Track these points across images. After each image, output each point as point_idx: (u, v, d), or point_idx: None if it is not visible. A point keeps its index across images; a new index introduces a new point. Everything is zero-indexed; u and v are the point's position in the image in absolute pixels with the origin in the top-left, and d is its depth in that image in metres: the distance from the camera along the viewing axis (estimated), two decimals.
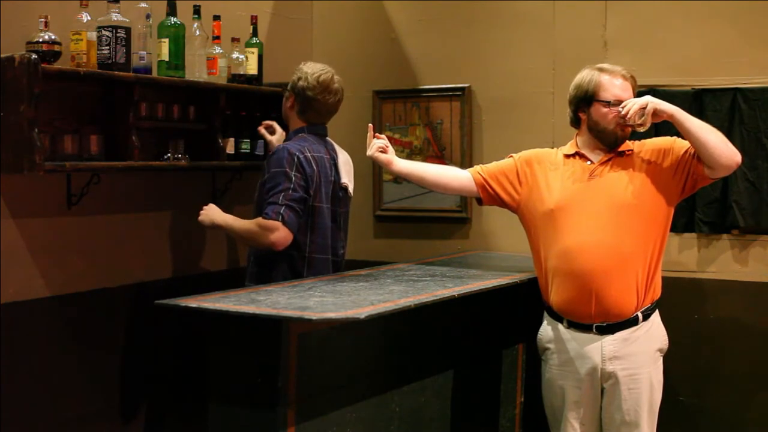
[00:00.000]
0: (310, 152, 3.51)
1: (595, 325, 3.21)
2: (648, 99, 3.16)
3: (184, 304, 2.89)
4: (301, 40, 4.73)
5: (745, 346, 3.98)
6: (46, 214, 3.44)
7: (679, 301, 4.08)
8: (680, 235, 4.08)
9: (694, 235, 4.05)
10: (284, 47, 4.59)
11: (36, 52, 3.14)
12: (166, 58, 3.59)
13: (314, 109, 3.63)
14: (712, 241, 4.03)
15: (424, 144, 4.64)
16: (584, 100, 3.31)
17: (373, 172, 4.73)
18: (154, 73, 3.59)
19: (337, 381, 3.02)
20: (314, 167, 3.48)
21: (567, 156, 3.38)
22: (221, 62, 3.89)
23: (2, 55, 3.16)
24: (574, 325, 3.25)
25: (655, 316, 3.31)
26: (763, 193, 3.90)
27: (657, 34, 4.13)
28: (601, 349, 3.22)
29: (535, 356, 3.59)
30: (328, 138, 3.73)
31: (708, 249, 4.04)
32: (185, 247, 4.07)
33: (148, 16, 3.56)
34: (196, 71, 3.76)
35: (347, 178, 3.72)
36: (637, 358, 3.24)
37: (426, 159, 4.63)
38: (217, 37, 3.87)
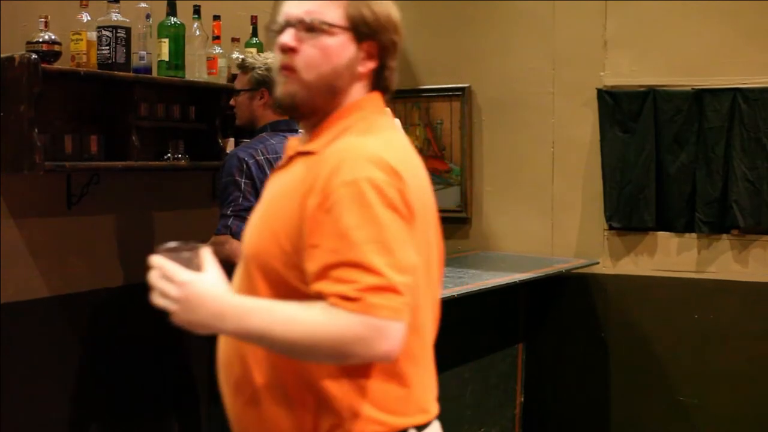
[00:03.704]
0: (264, 154, 3.28)
1: None
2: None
3: None
4: None
5: (745, 346, 3.98)
6: (46, 214, 3.43)
7: (679, 301, 4.09)
8: (680, 235, 4.08)
9: (694, 235, 4.05)
10: None
11: (36, 52, 3.14)
12: (166, 58, 3.59)
13: None
14: (712, 241, 4.03)
15: (424, 144, 4.64)
16: None
17: None
18: (154, 73, 3.59)
19: None
20: (267, 171, 3.22)
21: None
22: (221, 62, 3.88)
23: (2, 55, 3.15)
24: None
25: None
26: (763, 193, 3.90)
27: (657, 34, 4.13)
28: None
29: (535, 356, 3.59)
30: (300, 131, 3.49)
31: (708, 249, 4.03)
32: None
33: (148, 16, 3.55)
34: (196, 71, 3.75)
35: None
36: None
37: (426, 159, 4.62)
38: (217, 37, 3.87)
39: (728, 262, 4.00)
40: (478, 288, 3.34)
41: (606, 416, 4.26)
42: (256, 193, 3.22)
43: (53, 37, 3.23)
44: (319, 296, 1.49)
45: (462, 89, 4.54)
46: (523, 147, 4.43)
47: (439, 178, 4.59)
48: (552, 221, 4.36)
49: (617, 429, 4.25)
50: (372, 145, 1.60)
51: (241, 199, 3.22)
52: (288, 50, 1.65)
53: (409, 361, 1.67)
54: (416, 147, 4.64)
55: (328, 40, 1.65)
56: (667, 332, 4.13)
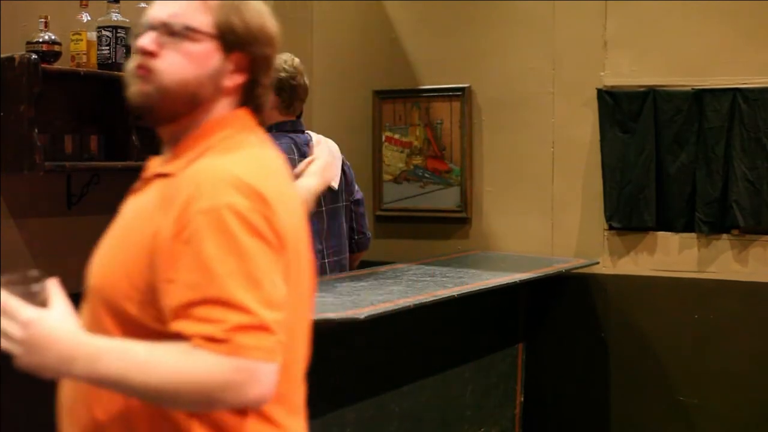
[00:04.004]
0: None
1: None
2: None
3: None
4: (301, 40, 4.72)
5: (745, 346, 3.98)
6: (46, 214, 3.43)
7: (679, 301, 4.09)
8: (680, 235, 4.08)
9: (694, 235, 4.05)
10: (284, 47, 4.57)
11: (36, 52, 3.14)
12: None
13: (299, 96, 3.43)
14: (712, 241, 4.03)
15: (424, 144, 4.64)
16: None
17: (373, 172, 4.73)
18: None
19: (337, 381, 3.02)
20: None
21: None
22: None
23: (2, 55, 3.16)
24: None
25: None
26: (763, 193, 3.90)
27: (657, 34, 4.13)
28: None
29: (535, 356, 3.60)
30: (307, 132, 3.49)
31: (708, 249, 4.03)
32: None
33: None
34: None
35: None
36: None
37: (426, 159, 4.63)
38: None
39: (728, 261, 4.00)
40: (478, 288, 3.34)
41: (606, 416, 4.26)
42: None
43: (53, 37, 3.23)
44: (179, 336, 1.34)
45: (462, 89, 4.54)
46: (523, 147, 4.43)
47: (439, 178, 4.60)
48: (552, 221, 4.36)
49: (617, 429, 4.25)
50: (235, 167, 1.43)
51: None
52: (146, 54, 1.51)
53: (279, 403, 1.46)
54: (416, 147, 4.68)
55: (191, 47, 1.49)
56: (667, 332, 4.13)
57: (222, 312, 1.32)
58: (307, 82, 3.46)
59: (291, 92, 3.42)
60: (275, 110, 3.41)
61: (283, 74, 3.39)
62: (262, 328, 1.33)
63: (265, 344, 1.33)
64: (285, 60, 3.43)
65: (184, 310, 1.34)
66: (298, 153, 3.40)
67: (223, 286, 1.33)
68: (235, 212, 1.37)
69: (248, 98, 1.57)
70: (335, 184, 3.49)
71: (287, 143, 3.38)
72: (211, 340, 1.31)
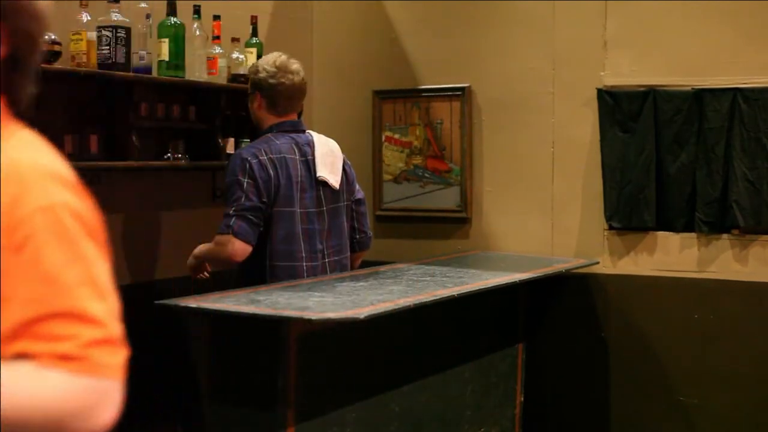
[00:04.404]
0: (267, 154, 3.30)
1: None
2: None
3: (184, 304, 2.90)
4: (301, 40, 4.72)
5: (745, 346, 3.98)
6: None
7: (679, 301, 4.09)
8: (680, 235, 4.08)
9: (694, 235, 4.05)
10: (284, 47, 4.58)
11: None
12: (166, 58, 3.59)
13: (283, 95, 3.41)
14: (712, 241, 4.03)
15: (424, 144, 4.64)
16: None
17: (373, 172, 4.73)
18: (154, 73, 3.59)
19: (337, 381, 3.02)
20: (270, 171, 3.28)
21: None
22: (221, 62, 3.88)
23: None
24: None
25: None
26: (763, 193, 3.90)
27: (657, 34, 4.13)
28: None
29: (535, 356, 3.60)
30: (308, 132, 3.51)
31: (708, 249, 4.03)
32: (185, 247, 4.06)
33: (148, 16, 3.56)
34: (196, 71, 3.76)
35: (327, 170, 3.44)
36: None
37: (426, 159, 4.63)
38: (217, 37, 3.87)
39: (728, 261, 4.00)
40: (478, 288, 3.34)
41: (606, 416, 4.26)
42: (259, 193, 3.25)
43: (53, 37, 3.23)
44: (21, 356, 1.16)
45: (462, 89, 4.54)
46: (523, 147, 4.43)
47: (439, 178, 4.60)
48: (552, 221, 4.36)
49: (617, 429, 4.25)
50: (49, 161, 1.25)
51: (243, 199, 3.23)
52: None
53: None
54: (416, 147, 4.68)
55: None
56: (668, 332, 4.13)
57: (74, 326, 1.16)
58: (296, 80, 3.44)
59: (271, 92, 3.42)
60: (263, 110, 3.46)
61: (262, 74, 3.41)
62: (113, 342, 1.20)
63: (116, 361, 1.20)
64: (268, 60, 3.45)
65: (28, 328, 1.15)
66: (299, 153, 3.40)
67: (72, 298, 1.17)
68: (72, 212, 1.22)
69: (6, 82, 1.31)
70: (336, 184, 3.49)
71: (287, 143, 3.39)
72: (66, 358, 1.15)
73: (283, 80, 3.40)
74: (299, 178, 3.38)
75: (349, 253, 3.60)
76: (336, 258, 3.52)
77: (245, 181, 3.25)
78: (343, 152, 3.60)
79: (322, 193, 3.45)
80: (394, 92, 4.71)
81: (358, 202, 3.63)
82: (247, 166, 3.26)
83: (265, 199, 3.27)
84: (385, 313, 2.79)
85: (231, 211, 3.23)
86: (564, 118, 4.33)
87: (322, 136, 3.54)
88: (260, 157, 3.29)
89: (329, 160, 3.49)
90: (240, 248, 3.23)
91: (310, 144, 3.46)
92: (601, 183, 4.19)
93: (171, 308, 2.95)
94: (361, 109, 4.75)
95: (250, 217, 3.24)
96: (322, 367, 2.96)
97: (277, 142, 3.37)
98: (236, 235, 3.22)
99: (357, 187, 3.64)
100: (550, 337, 4.32)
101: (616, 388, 4.24)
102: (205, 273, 3.53)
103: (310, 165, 3.42)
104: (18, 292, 1.16)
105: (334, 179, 3.48)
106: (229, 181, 3.29)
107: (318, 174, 3.42)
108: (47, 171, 1.23)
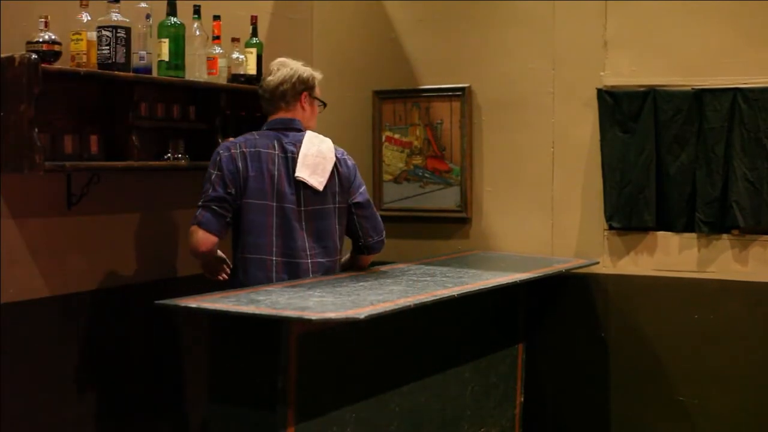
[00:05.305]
0: (240, 148, 3.36)
1: None
2: None
3: (184, 305, 2.90)
4: (301, 40, 4.72)
5: (745, 346, 3.98)
6: (46, 214, 3.43)
7: (679, 301, 4.09)
8: (680, 235, 4.08)
9: (694, 235, 4.05)
10: (284, 47, 4.59)
11: (36, 52, 3.14)
12: (166, 58, 3.59)
13: (263, 97, 3.54)
14: (712, 241, 4.03)
15: (424, 144, 4.64)
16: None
17: (373, 172, 4.73)
18: (154, 73, 3.59)
19: (337, 381, 3.02)
20: (239, 163, 3.32)
21: None
22: (221, 62, 3.88)
23: (2, 55, 3.16)
24: None
25: None
26: (763, 193, 3.90)
27: (657, 34, 4.13)
28: None
29: (535, 356, 3.60)
30: (306, 131, 3.51)
31: (708, 249, 4.04)
32: (185, 248, 4.07)
33: (148, 16, 3.56)
34: (196, 71, 3.76)
35: (308, 171, 3.42)
36: None
37: (426, 159, 4.63)
38: (217, 37, 3.87)
39: (728, 262, 4.00)
40: (478, 288, 3.34)
41: (606, 416, 4.26)
42: (225, 184, 3.34)
43: (53, 37, 3.23)
44: None
45: (462, 89, 4.54)
46: (523, 147, 4.43)
47: (439, 178, 4.60)
48: (552, 221, 4.36)
49: (617, 429, 4.25)
50: None
51: (210, 191, 3.32)
52: None
53: None
54: (416, 147, 4.68)
55: None
56: (667, 332, 4.13)
57: None
58: (272, 82, 3.51)
59: (260, 96, 3.57)
60: (268, 109, 3.57)
61: (261, 88, 3.57)
62: None
63: None
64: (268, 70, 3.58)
65: None
66: (281, 149, 3.42)
67: None
68: None
69: None
70: (319, 186, 3.44)
71: (268, 139, 3.45)
72: None
73: (262, 84, 3.56)
74: (276, 173, 3.38)
75: (338, 256, 3.56)
76: (321, 260, 3.45)
77: (214, 173, 3.34)
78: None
79: (302, 192, 3.42)
80: (394, 92, 4.71)
81: (357, 205, 3.56)
82: (218, 158, 3.37)
83: (231, 190, 3.32)
84: (385, 313, 2.79)
85: (199, 203, 3.34)
86: (564, 118, 4.33)
87: (318, 137, 3.52)
88: (232, 150, 3.38)
89: (314, 161, 3.45)
90: (203, 238, 3.30)
91: (298, 143, 3.45)
92: (601, 183, 4.19)
93: (171, 308, 2.95)
94: (361, 109, 4.76)
95: (215, 207, 3.31)
96: (322, 367, 2.96)
97: (257, 137, 3.45)
98: (200, 224, 3.31)
99: (359, 190, 3.57)
100: (550, 337, 4.32)
101: (615, 388, 4.24)
102: (224, 275, 3.53)
103: (289, 163, 3.42)
104: None
105: (317, 181, 3.44)
106: (206, 175, 3.39)
107: (296, 174, 3.40)
108: None
